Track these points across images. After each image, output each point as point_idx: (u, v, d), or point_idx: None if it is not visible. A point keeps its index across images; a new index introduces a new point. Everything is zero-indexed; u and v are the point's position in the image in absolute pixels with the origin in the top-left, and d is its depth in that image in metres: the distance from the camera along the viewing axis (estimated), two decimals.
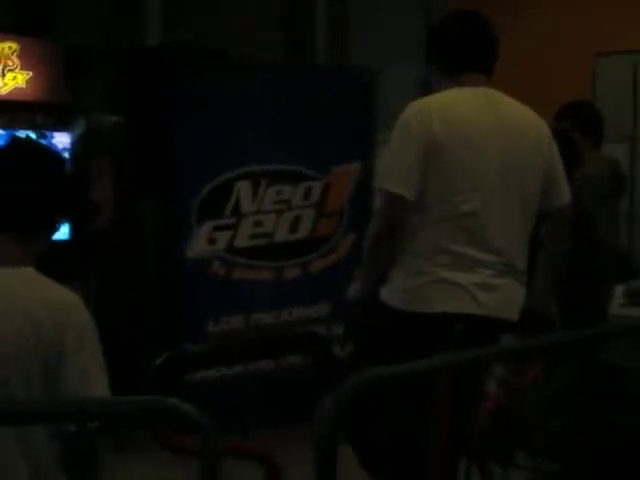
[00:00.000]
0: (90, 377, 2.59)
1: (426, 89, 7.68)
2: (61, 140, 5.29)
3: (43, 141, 2.97)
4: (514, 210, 3.65)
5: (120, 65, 5.97)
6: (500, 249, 3.60)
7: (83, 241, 5.28)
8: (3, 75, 5.13)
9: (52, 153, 2.90)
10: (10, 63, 5.14)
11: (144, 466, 5.05)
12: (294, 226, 6.29)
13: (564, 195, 3.79)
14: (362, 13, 8.39)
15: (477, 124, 3.64)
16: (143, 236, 5.88)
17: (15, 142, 2.95)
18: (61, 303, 2.64)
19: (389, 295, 3.68)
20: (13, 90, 5.17)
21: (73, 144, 5.28)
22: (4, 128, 5.13)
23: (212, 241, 5.96)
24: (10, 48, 5.14)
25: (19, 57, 5.17)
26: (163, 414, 2.00)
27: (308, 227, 6.30)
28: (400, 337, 3.58)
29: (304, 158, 6.28)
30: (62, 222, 2.84)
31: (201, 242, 5.96)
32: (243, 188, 6.09)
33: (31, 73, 5.21)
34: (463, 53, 3.75)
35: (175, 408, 1.95)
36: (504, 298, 3.64)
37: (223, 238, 6.05)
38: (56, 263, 5.16)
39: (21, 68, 5.18)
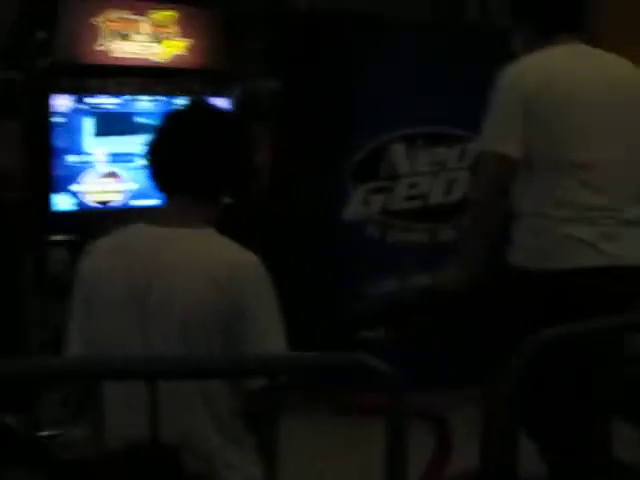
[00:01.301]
0: (269, 336, 2.64)
1: None
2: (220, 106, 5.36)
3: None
4: (631, 157, 3.60)
5: (276, 30, 6.01)
6: (617, 198, 3.55)
7: (244, 206, 5.34)
8: (162, 43, 5.22)
9: (232, 116, 2.92)
10: (170, 31, 5.22)
11: (304, 424, 5.11)
12: (449, 188, 6.26)
13: None
14: None
15: (575, 77, 3.63)
16: (298, 201, 5.93)
17: (195, 104, 2.95)
18: (241, 263, 2.69)
19: (517, 255, 3.66)
20: (173, 57, 5.25)
21: (231, 110, 5.35)
22: (163, 94, 5.22)
23: (367, 203, 5.99)
24: (170, 16, 5.22)
25: (178, 25, 5.24)
26: (351, 369, 2.03)
27: (463, 189, 6.25)
28: (540, 300, 3.53)
29: (459, 120, 6.23)
30: (240, 184, 2.86)
31: (356, 205, 5.99)
32: (398, 150, 6.09)
33: (190, 40, 5.28)
34: (554, 12, 3.73)
35: (364, 363, 1.97)
36: (631, 245, 3.56)
37: (378, 201, 6.07)
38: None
39: (180, 35, 5.25)
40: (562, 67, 3.64)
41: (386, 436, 2.01)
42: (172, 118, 2.84)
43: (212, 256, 2.68)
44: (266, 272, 2.72)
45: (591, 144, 3.56)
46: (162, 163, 2.78)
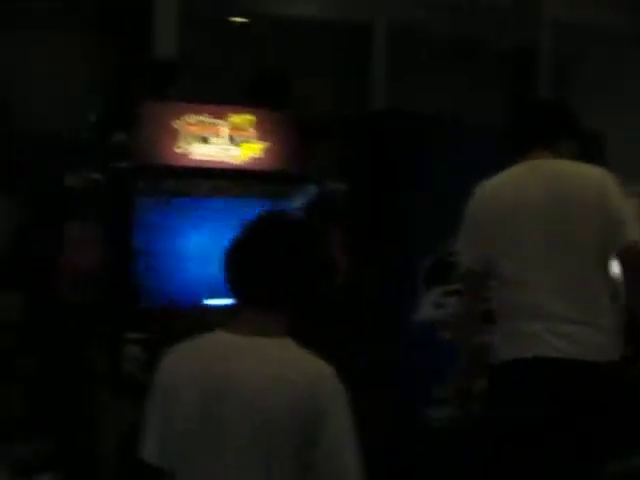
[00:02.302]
0: (344, 443, 2.62)
1: None
2: (293, 208, 5.44)
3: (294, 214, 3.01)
4: (569, 268, 3.90)
5: (348, 133, 6.09)
6: (556, 309, 3.89)
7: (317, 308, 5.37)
8: (240, 145, 5.31)
9: (306, 226, 2.93)
10: (247, 134, 5.32)
11: None
12: None
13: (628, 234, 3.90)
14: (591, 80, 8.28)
15: (520, 197, 4.06)
16: (369, 302, 5.94)
17: (270, 215, 2.95)
18: (317, 370, 2.69)
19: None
20: (249, 160, 5.34)
21: (304, 212, 5.42)
22: (240, 196, 5.31)
23: (439, 305, 5.98)
24: (248, 120, 5.32)
25: (256, 128, 5.34)
26: None
27: None
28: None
29: None
30: (315, 292, 2.84)
31: (428, 306, 5.98)
32: None
33: (267, 143, 5.37)
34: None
35: None
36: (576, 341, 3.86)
37: (451, 303, 6.05)
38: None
39: (258, 138, 5.35)
40: (507, 186, 4.17)
41: None
42: (247, 229, 2.83)
43: (288, 365, 2.68)
44: (342, 386, 2.69)
45: (527, 263, 4.00)
46: (237, 273, 2.79)
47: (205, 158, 5.23)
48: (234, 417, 2.62)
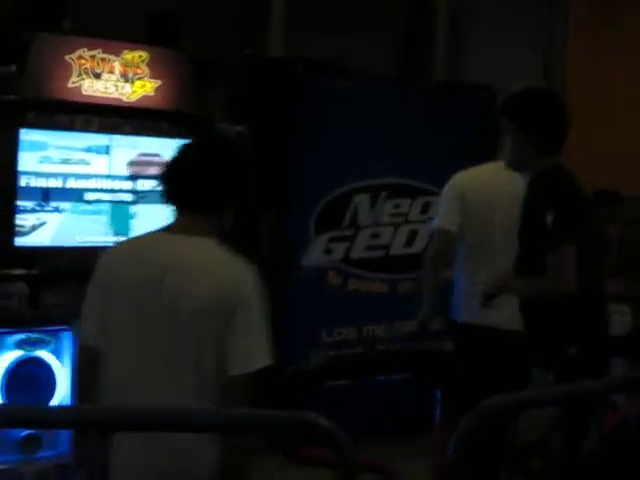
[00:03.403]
0: (258, 330, 3.09)
1: None
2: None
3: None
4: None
5: (244, 75, 6.06)
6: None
7: None
8: (133, 82, 5.25)
9: (232, 146, 3.53)
10: (139, 71, 5.26)
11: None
12: (410, 240, 6.32)
13: None
14: (480, 29, 8.36)
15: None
16: (260, 245, 5.96)
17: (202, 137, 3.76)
18: (240, 266, 3.15)
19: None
20: (142, 97, 5.28)
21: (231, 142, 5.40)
22: (131, 134, 5.26)
23: (329, 251, 6.04)
24: (140, 57, 5.26)
25: (148, 66, 5.28)
26: (302, 427, 2.05)
27: (424, 241, 6.31)
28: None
29: (424, 173, 6.30)
30: (235, 206, 3.31)
31: (318, 252, 6.03)
32: (362, 201, 6.14)
33: (159, 82, 5.32)
34: None
35: (313, 423, 1.99)
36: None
37: (340, 249, 6.12)
38: None
39: (150, 76, 5.29)
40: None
41: None
42: (184, 148, 3.33)
43: (217, 260, 3.15)
44: (259, 282, 3.13)
45: (497, 238, 4.75)
46: (177, 183, 3.26)
47: (97, 94, 5.15)
48: (168, 299, 3.07)
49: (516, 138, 4.22)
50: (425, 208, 6.33)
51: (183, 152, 3.32)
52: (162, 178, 3.28)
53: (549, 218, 4.00)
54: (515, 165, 4.33)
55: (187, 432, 2.53)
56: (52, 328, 5.06)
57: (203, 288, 3.07)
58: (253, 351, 3.06)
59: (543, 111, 4.21)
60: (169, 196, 3.27)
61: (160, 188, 3.29)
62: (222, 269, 3.14)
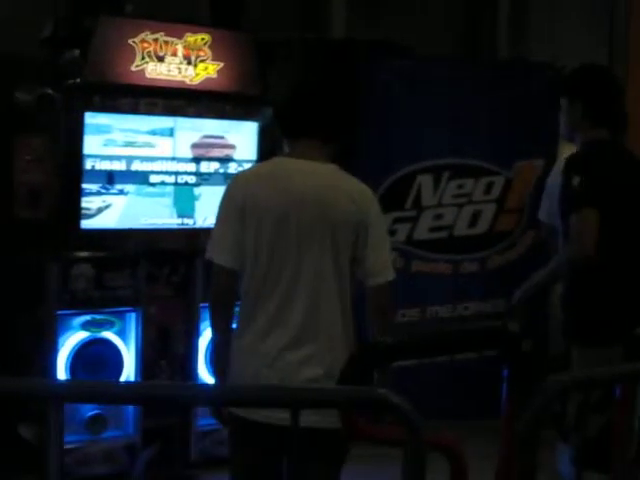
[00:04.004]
0: (384, 245, 3.45)
1: None
2: (249, 130, 5.41)
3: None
4: None
5: (308, 57, 6.05)
6: None
7: None
8: (195, 65, 5.26)
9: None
10: (202, 54, 5.27)
11: None
12: (474, 220, 6.29)
13: None
14: (544, 7, 8.27)
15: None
16: None
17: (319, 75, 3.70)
18: (365, 189, 3.48)
19: None
20: (204, 80, 5.30)
21: (260, 134, 5.40)
22: (195, 116, 5.27)
23: (392, 232, 6.02)
24: (203, 39, 5.27)
25: (211, 48, 5.29)
26: (372, 404, 2.05)
27: (488, 222, 6.28)
28: None
29: (486, 153, 6.26)
30: (342, 141, 3.58)
31: None
32: (425, 181, 6.12)
33: (222, 64, 5.33)
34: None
35: (385, 399, 1.99)
36: None
37: (403, 230, 6.10)
38: None
39: (212, 59, 5.30)
40: None
41: (405, 470, 2.03)
42: (304, 80, 3.61)
43: (347, 181, 3.46)
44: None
45: None
46: (301, 112, 3.47)
47: (161, 77, 5.17)
48: (308, 219, 3.34)
49: (565, 107, 4.45)
50: (488, 188, 6.28)
51: (304, 84, 3.57)
52: (283, 108, 3.54)
53: (575, 182, 4.16)
54: (567, 135, 4.53)
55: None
56: (117, 309, 5.11)
57: (340, 204, 3.36)
58: (386, 264, 3.42)
59: (588, 80, 4.46)
60: (291, 124, 3.50)
61: (279, 118, 3.57)
62: (354, 188, 3.43)
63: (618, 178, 4.30)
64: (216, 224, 3.45)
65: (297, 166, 3.43)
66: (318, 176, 3.42)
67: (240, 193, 3.40)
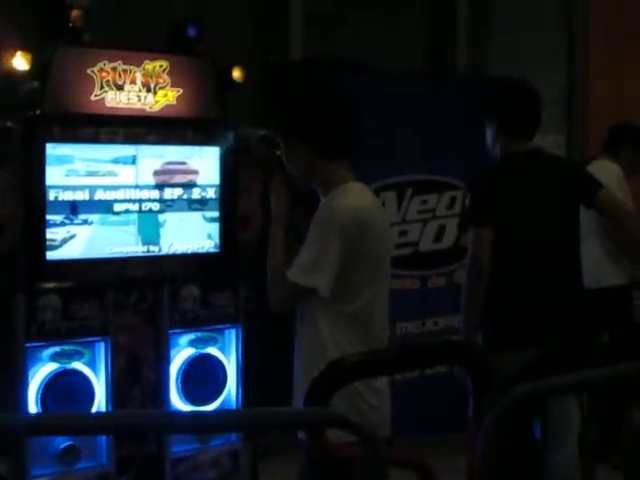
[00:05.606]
0: (307, 247, 3.70)
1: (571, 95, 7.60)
2: (211, 154, 5.42)
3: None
4: None
5: (266, 79, 6.08)
6: None
7: (231, 251, 5.40)
8: (155, 92, 5.28)
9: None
10: (161, 81, 5.29)
11: (288, 470, 5.12)
12: (439, 235, 6.32)
13: None
14: (504, 17, 8.34)
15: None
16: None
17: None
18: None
19: None
20: (164, 107, 5.31)
21: (222, 158, 5.41)
22: (156, 143, 5.28)
23: None
24: (161, 66, 5.29)
25: (169, 74, 5.31)
26: (331, 423, 2.06)
27: (453, 236, 6.32)
28: None
29: (448, 168, 6.30)
30: None
31: None
32: (388, 198, 6.15)
33: (181, 90, 5.35)
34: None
35: (344, 418, 2.01)
36: None
37: None
38: (207, 273, 5.30)
39: (172, 85, 5.32)
40: None
41: None
42: (341, 100, 3.75)
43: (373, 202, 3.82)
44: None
45: None
46: (347, 132, 3.64)
47: (121, 106, 5.19)
48: (384, 248, 3.66)
49: (485, 123, 4.70)
50: (452, 202, 6.32)
51: (344, 101, 3.71)
52: (327, 127, 3.62)
53: (467, 201, 4.35)
54: (491, 150, 4.68)
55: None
56: (86, 339, 5.10)
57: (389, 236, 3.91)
58: (297, 262, 3.63)
59: (501, 96, 4.73)
60: (340, 142, 3.65)
61: (316, 139, 3.63)
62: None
63: (518, 189, 4.44)
64: None
65: (371, 195, 3.85)
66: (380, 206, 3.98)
67: (350, 223, 3.60)
